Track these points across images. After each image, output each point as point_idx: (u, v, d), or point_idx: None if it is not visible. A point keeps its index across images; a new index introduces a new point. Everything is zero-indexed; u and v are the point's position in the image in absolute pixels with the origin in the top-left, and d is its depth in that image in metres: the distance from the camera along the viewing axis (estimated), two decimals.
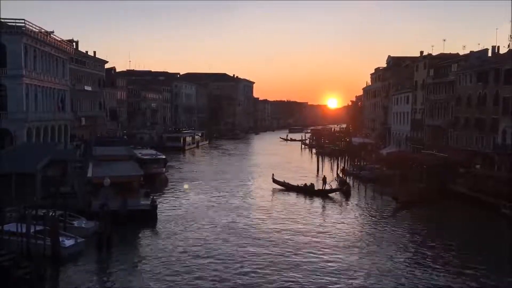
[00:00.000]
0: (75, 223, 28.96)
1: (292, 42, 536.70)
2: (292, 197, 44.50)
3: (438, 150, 54.72)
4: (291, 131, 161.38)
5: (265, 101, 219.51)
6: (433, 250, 27.84)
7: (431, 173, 48.18)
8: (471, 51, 58.90)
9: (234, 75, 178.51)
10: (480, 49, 57.68)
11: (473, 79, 51.44)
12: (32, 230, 23.57)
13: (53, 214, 25.37)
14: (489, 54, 55.52)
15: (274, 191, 47.44)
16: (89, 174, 34.79)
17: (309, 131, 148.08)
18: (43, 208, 26.36)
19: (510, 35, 53.55)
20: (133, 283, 22.12)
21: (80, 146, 59.97)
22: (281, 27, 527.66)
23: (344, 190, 45.70)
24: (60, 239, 25.03)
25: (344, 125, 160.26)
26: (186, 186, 49.13)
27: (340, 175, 56.30)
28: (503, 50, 53.20)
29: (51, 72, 55.15)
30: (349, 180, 52.93)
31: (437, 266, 24.97)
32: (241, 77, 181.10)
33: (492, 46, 55.99)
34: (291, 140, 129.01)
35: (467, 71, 53.12)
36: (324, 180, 48.25)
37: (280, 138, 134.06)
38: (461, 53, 62.23)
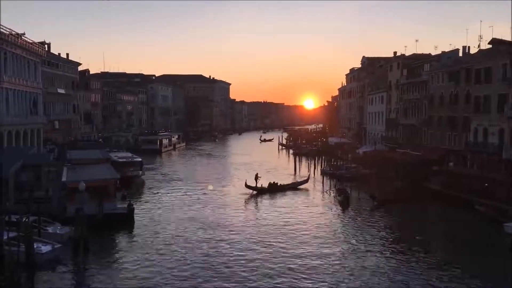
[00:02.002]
0: (50, 229, 28.38)
1: (268, 43, 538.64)
2: (270, 197, 44.70)
3: (412, 148, 55.69)
4: (285, 130, 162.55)
5: (242, 102, 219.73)
6: (408, 248, 28.27)
7: (406, 171, 49.03)
8: (442, 51, 60.19)
9: (210, 76, 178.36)
10: (451, 49, 59.01)
11: (445, 79, 52.55)
12: (5, 236, 23.00)
13: (27, 220, 24.81)
14: (460, 54, 56.83)
15: (247, 192, 47.53)
16: (64, 179, 34.15)
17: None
18: (17, 214, 25.77)
19: (480, 35, 54.84)
20: None
21: (53, 150, 58.69)
22: (257, 29, 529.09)
23: (341, 200, 42.26)
24: (37, 245, 24.52)
25: (321, 125, 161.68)
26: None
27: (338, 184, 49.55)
28: (473, 50, 54.63)
29: (23, 75, 53.92)
30: (325, 180, 53.36)
31: (411, 264, 25.39)
32: (218, 79, 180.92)
33: (463, 46, 57.46)
34: (265, 141, 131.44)
35: (439, 71, 54.23)
36: (256, 177, 48.21)
37: (260, 140, 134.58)
38: (433, 53, 63.65)
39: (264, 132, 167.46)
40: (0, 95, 47.53)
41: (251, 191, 47.08)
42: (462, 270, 24.38)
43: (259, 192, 46.80)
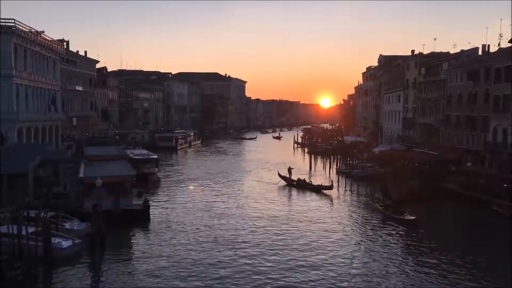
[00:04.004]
0: (67, 225, 28.72)
1: (284, 42, 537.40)
2: (285, 194, 44.67)
3: (429, 148, 55.04)
4: (313, 127, 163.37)
5: (257, 100, 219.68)
6: (424, 248, 28.00)
7: (422, 171, 48.48)
8: (461, 50, 59.27)
9: (226, 74, 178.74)
10: (470, 47, 58.10)
11: (464, 78, 51.79)
12: (24, 231, 23.39)
13: (45, 215, 25.22)
14: (480, 52, 55.94)
15: (264, 188, 47.60)
16: (81, 175, 34.55)
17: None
18: (35, 209, 26.18)
19: (500, 34, 53.84)
20: (126, 284, 22.04)
21: (71, 147, 59.58)
22: (274, 27, 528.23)
23: (406, 220, 33.44)
24: (58, 240, 24.93)
25: (336, 124, 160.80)
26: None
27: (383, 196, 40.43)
28: (493, 49, 53.73)
29: (42, 72, 54.75)
30: (341, 179, 52.98)
31: (428, 265, 25.11)
32: (233, 77, 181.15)
33: (482, 45, 56.43)
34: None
35: (458, 70, 53.45)
36: (289, 170, 52.49)
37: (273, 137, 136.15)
38: (452, 51, 62.71)
39: (274, 131, 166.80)
40: (20, 92, 48.34)
41: (281, 182, 50.53)
42: (478, 270, 24.05)
43: (289, 184, 49.49)
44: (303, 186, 48.41)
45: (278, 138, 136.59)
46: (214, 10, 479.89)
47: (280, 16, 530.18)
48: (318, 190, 47.11)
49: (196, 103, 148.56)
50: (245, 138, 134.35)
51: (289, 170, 52.90)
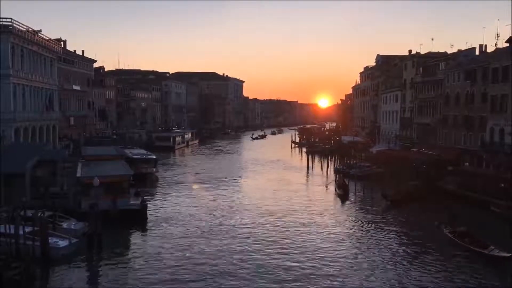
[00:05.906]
0: (64, 225, 28.70)
1: (283, 42, 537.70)
2: (283, 193, 44.72)
3: (427, 148, 55.12)
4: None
5: (255, 100, 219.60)
6: (422, 249, 28.03)
7: (420, 171, 48.56)
8: (459, 50, 59.45)
9: (224, 74, 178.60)
10: (467, 47, 58.23)
11: (461, 78, 51.90)
12: (21, 231, 23.33)
13: (42, 214, 25.16)
14: (477, 52, 56.08)
15: (261, 189, 47.59)
16: (79, 174, 34.50)
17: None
18: (33, 208, 26.13)
19: (497, 34, 54.05)
20: (123, 283, 22.02)
21: (69, 146, 59.48)
22: (272, 27, 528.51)
23: (494, 257, 25.29)
24: (54, 239, 24.88)
25: (334, 124, 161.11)
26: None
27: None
28: (490, 49, 53.84)
29: (39, 72, 54.58)
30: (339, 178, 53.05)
31: (425, 265, 25.13)
32: (231, 76, 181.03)
33: (480, 45, 56.67)
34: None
35: (455, 70, 53.56)
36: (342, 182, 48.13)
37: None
38: (449, 51, 62.86)
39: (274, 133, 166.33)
40: (17, 91, 48.19)
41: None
42: (477, 270, 24.10)
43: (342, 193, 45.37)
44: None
45: (263, 137, 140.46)
46: (212, 9, 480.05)
47: (278, 16, 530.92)
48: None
49: (194, 103, 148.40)
50: (258, 138, 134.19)
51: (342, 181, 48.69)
